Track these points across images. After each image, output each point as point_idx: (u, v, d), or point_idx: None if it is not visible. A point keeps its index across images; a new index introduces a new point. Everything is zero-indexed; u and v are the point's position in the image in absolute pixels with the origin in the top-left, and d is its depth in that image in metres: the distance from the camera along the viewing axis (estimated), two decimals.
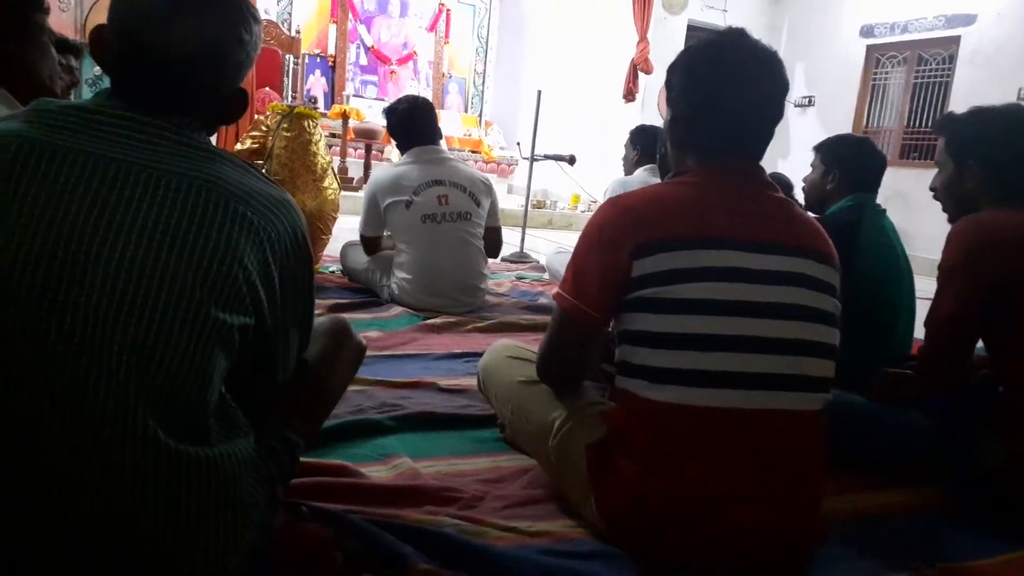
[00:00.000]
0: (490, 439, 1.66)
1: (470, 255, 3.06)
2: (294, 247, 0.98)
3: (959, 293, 1.67)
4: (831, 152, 2.39)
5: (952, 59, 7.12)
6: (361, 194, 3.14)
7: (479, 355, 2.41)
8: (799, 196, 2.60)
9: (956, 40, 7.04)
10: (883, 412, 1.80)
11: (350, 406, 1.77)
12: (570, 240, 6.77)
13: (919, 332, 2.10)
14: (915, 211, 7.26)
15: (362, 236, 3.16)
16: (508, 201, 8.14)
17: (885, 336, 2.22)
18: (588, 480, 1.28)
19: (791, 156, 8.80)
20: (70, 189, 0.83)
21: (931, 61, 7.38)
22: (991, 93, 6.63)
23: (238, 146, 3.33)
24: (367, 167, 7.80)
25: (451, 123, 9.51)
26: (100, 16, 5.83)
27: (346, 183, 7.50)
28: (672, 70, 1.35)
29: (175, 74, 0.94)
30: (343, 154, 7.61)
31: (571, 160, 4.53)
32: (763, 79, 1.28)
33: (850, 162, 2.32)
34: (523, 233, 4.96)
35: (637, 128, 3.73)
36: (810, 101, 8.53)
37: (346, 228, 3.53)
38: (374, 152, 8.04)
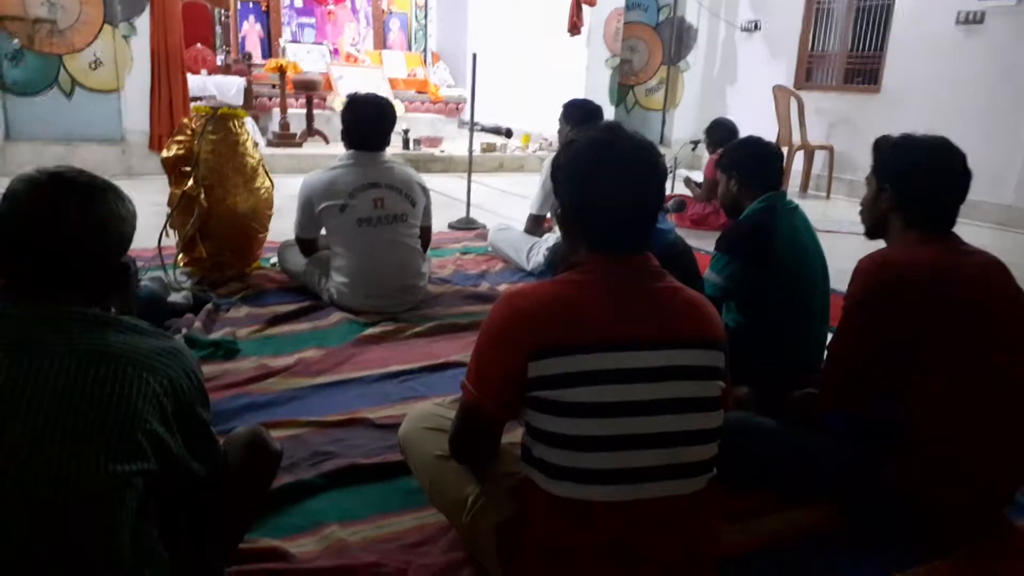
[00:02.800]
0: (416, 489, 1.74)
1: (407, 256, 3.09)
2: (189, 391, 1.10)
3: (861, 330, 1.76)
4: (726, 159, 2.45)
5: None
6: (295, 191, 3.11)
7: (415, 372, 2.52)
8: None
9: None
10: (788, 434, 1.91)
11: (284, 458, 1.84)
12: (521, 185, 6.78)
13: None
14: (859, 136, 7.34)
15: (298, 239, 3.17)
16: (456, 146, 8.04)
17: (798, 335, 2.33)
18: (497, 559, 1.38)
19: (738, 82, 8.77)
20: None
21: None
22: (932, 17, 6.64)
23: (164, 153, 3.25)
24: (309, 119, 7.65)
25: (395, 64, 9.26)
26: None
27: (288, 138, 7.35)
28: (556, 165, 1.39)
29: (65, 263, 1.07)
30: (283, 108, 7.43)
31: (508, 133, 4.50)
32: (640, 173, 1.33)
33: (744, 164, 2.38)
34: (468, 200, 4.95)
35: (568, 104, 3.70)
36: (756, 25, 8.43)
37: (288, 195, 3.48)
38: (316, 102, 7.84)
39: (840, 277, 2.36)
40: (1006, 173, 6.07)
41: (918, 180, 1.77)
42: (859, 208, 1.97)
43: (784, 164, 2.46)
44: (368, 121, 3.04)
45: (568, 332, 1.27)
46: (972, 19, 6.36)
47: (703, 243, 4.24)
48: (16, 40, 5.71)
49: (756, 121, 6.76)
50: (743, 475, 1.82)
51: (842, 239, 4.80)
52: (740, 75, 8.74)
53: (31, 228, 1.05)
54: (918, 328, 1.68)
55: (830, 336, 2.25)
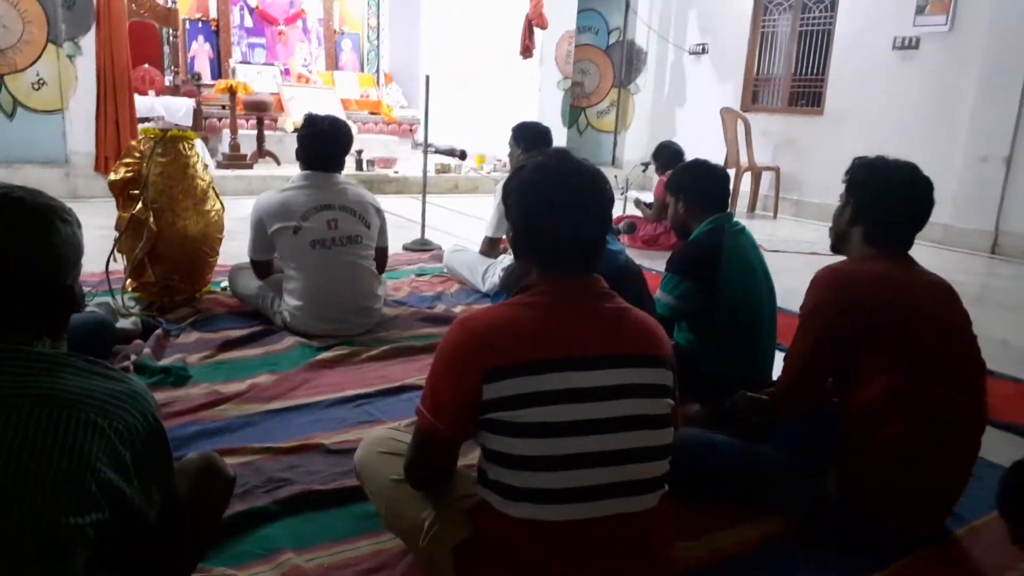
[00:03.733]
0: (372, 514, 1.73)
1: (362, 278, 3.08)
2: (147, 434, 1.05)
3: (814, 338, 1.83)
4: (674, 181, 2.51)
5: (833, 6, 7.33)
6: (247, 212, 3.08)
7: (370, 396, 2.50)
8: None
9: None
10: (738, 448, 1.96)
11: (238, 485, 1.81)
12: (476, 206, 6.81)
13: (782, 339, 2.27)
14: (803, 157, 7.59)
15: (252, 261, 3.13)
16: (410, 166, 8.05)
17: (747, 353, 2.39)
18: None
19: (687, 104, 8.98)
20: None
21: (814, 8, 7.58)
22: (870, 42, 6.91)
23: (111, 176, 3.19)
24: (260, 140, 7.57)
25: (347, 85, 9.25)
26: None
27: (239, 160, 7.27)
28: (507, 190, 1.42)
29: (12, 285, 1.01)
30: (233, 130, 7.35)
31: (462, 155, 4.53)
32: (587, 198, 1.38)
33: (691, 187, 2.44)
34: (423, 221, 4.95)
35: (518, 126, 3.75)
36: (703, 48, 8.66)
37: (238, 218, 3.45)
38: (267, 123, 7.78)
39: (787, 296, 2.45)
40: (942, 193, 6.23)
41: (881, 199, 1.87)
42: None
43: (731, 185, 2.53)
44: (325, 142, 3.04)
45: (521, 354, 1.29)
46: (908, 44, 6.65)
47: (654, 263, 4.32)
48: None
49: (705, 142, 6.95)
50: (697, 490, 1.86)
51: (789, 258, 4.94)
52: (689, 97, 8.95)
53: None
54: (865, 337, 1.76)
55: (779, 354, 2.33)
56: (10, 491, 0.90)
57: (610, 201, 1.42)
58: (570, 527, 1.28)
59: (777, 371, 2.16)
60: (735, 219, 2.44)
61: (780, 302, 2.46)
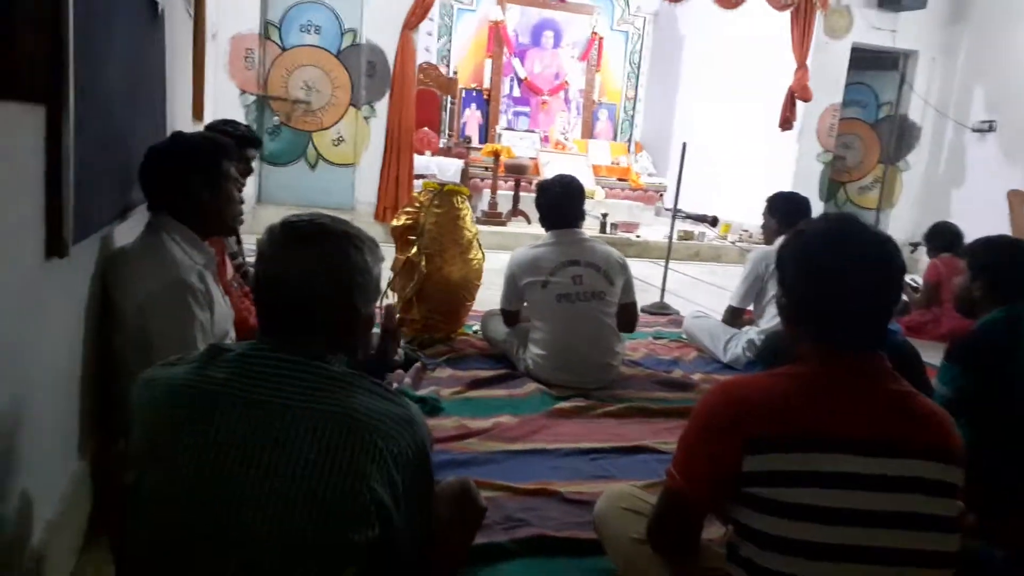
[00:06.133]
0: (605, 570, 1.73)
1: (603, 334, 3.14)
2: (416, 460, 1.13)
3: None
4: (978, 259, 2.25)
5: None
6: (500, 265, 3.28)
7: (606, 452, 2.52)
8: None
9: None
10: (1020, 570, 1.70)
11: None
12: (716, 275, 6.67)
13: None
14: None
15: (502, 310, 3.33)
16: (652, 231, 8.09)
17: None
18: None
19: (966, 184, 8.14)
20: (224, 437, 1.02)
21: None
22: None
23: (394, 222, 3.59)
24: (516, 200, 8.04)
25: (599, 152, 9.58)
26: (278, 73, 6.41)
27: (495, 217, 7.77)
28: (786, 251, 1.36)
29: (305, 299, 1.12)
30: (493, 189, 7.89)
31: (713, 221, 4.48)
32: (878, 266, 1.28)
33: (998, 270, 2.18)
34: (663, 285, 4.94)
35: (774, 196, 3.65)
36: (990, 127, 7.83)
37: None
38: (523, 184, 8.25)
39: None
40: None
41: None
42: None
43: None
44: (557, 199, 3.20)
45: (790, 427, 1.22)
46: None
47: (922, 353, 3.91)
48: (277, 117, 6.61)
49: (983, 227, 6.17)
50: None
51: None
52: (968, 177, 8.11)
53: (273, 268, 1.12)
54: None
55: None
56: (298, 501, 0.99)
57: (901, 270, 1.31)
58: None
59: None
60: None
61: None
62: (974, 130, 8.02)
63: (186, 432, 1.03)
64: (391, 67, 6.68)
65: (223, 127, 2.81)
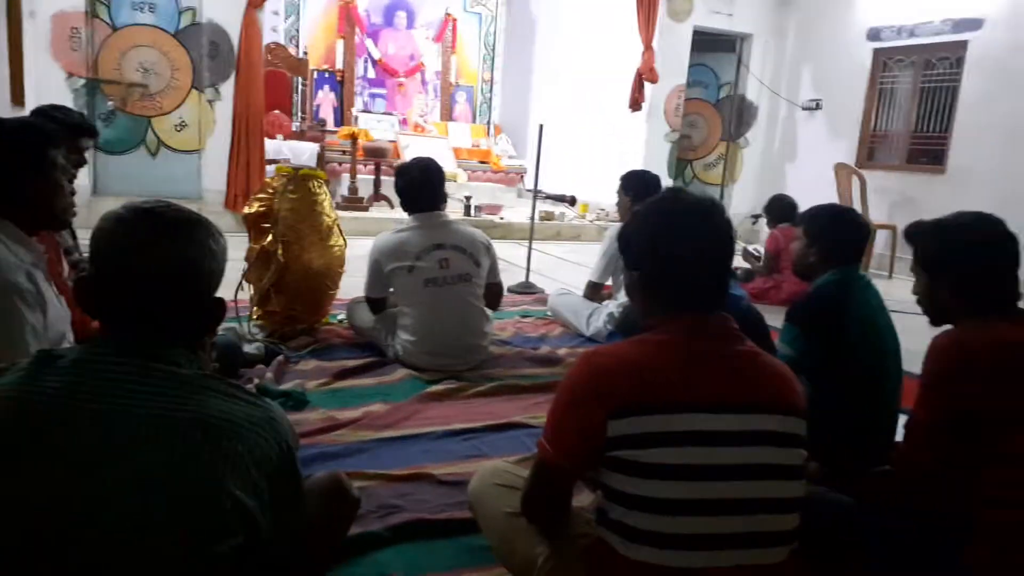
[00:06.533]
0: (482, 547, 1.74)
1: (472, 316, 3.16)
2: (280, 461, 1.08)
3: (934, 408, 1.73)
4: (814, 226, 2.42)
5: (960, 63, 7.07)
6: (363, 251, 3.21)
7: (478, 431, 2.53)
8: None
9: (963, 45, 6.99)
10: (863, 513, 1.86)
11: None
12: (577, 253, 6.85)
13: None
14: (923, 216, 7.21)
15: (368, 298, 3.26)
16: (515, 213, 8.20)
17: (869, 413, 2.28)
18: None
19: (798, 159, 8.80)
20: (63, 452, 0.93)
21: (939, 65, 7.33)
22: (1001, 98, 6.60)
23: (246, 209, 3.42)
24: (377, 185, 7.90)
25: (460, 134, 9.57)
26: (110, 55, 5.94)
27: (356, 202, 7.60)
28: (624, 235, 1.45)
29: (161, 295, 1.05)
30: (353, 173, 7.71)
31: (572, 201, 4.60)
32: (709, 230, 1.37)
33: (832, 236, 2.36)
34: (528, 265, 5.02)
35: (627, 174, 3.78)
36: (817, 104, 8.49)
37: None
38: (384, 168, 8.11)
39: (908, 358, 2.33)
40: None
41: (968, 264, 1.76)
42: (915, 297, 1.96)
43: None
44: (416, 182, 3.16)
45: (648, 391, 1.27)
46: None
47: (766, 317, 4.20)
48: (111, 102, 6.12)
49: (816, 198, 6.71)
50: (816, 553, 1.77)
51: (907, 319, 4.68)
52: (800, 152, 8.77)
53: (125, 262, 1.04)
54: (988, 408, 1.64)
55: (902, 417, 2.21)
56: (150, 517, 0.92)
57: (730, 227, 1.40)
58: (690, 575, 1.25)
59: (900, 435, 2.06)
60: (862, 273, 2.36)
61: (904, 364, 2.35)
62: (804, 108, 8.67)
63: (19, 449, 0.93)
64: (236, 48, 6.35)
65: (53, 113, 2.56)
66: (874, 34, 7.79)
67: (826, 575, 1.75)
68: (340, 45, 9.13)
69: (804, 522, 1.34)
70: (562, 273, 5.70)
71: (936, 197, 7.16)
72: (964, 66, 7.01)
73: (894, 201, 7.52)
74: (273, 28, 8.51)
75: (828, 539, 1.80)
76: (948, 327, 1.83)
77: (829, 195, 7.23)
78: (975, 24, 6.86)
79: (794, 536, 1.31)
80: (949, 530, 1.76)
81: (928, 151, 7.47)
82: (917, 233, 1.87)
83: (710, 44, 9.00)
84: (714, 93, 9.40)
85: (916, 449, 1.81)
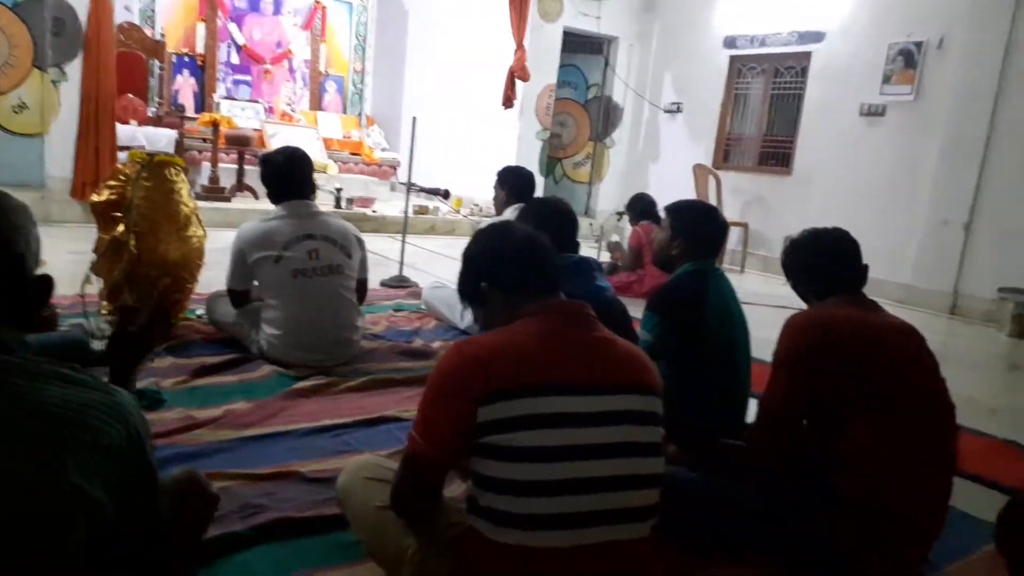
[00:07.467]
0: (351, 543, 1.72)
1: (343, 309, 3.09)
2: (131, 450, 1.02)
3: (790, 384, 1.87)
4: (680, 219, 2.53)
5: (804, 72, 7.63)
6: (225, 244, 3.08)
7: (348, 426, 2.49)
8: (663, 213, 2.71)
9: (807, 55, 7.55)
10: (719, 489, 1.98)
11: None
12: (452, 247, 6.85)
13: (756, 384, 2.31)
14: (772, 214, 7.79)
15: (230, 291, 3.12)
16: (388, 206, 8.10)
17: (724, 397, 2.42)
18: None
19: (661, 159, 9.21)
20: None
21: (786, 74, 7.88)
22: (837, 107, 7.19)
23: (94, 197, 3.18)
24: (240, 174, 7.57)
25: (330, 125, 9.33)
26: None
27: (217, 192, 7.26)
28: (469, 252, 1.62)
29: None
30: (214, 162, 7.36)
31: (445, 195, 4.60)
32: (533, 234, 1.56)
33: (697, 231, 2.49)
34: (401, 258, 4.98)
35: (504, 169, 3.83)
36: (678, 108, 8.91)
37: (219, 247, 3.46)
38: (248, 158, 7.79)
39: (757, 346, 2.50)
40: (904, 253, 6.53)
41: (816, 269, 2.03)
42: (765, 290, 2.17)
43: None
44: (282, 169, 3.06)
45: (516, 376, 1.31)
46: (874, 111, 6.93)
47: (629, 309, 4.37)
48: None
49: (675, 196, 7.01)
50: (676, 531, 1.87)
51: (757, 310, 5.03)
52: (662, 153, 9.18)
53: None
54: (841, 382, 1.80)
55: (752, 401, 2.37)
56: None
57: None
58: (560, 555, 1.28)
59: (751, 417, 2.20)
60: (717, 266, 2.50)
61: (752, 352, 2.51)
62: (666, 111, 9.08)
63: None
64: (83, 25, 5.89)
65: None
66: (730, 42, 8.27)
67: (683, 551, 1.85)
68: (201, 28, 8.66)
69: (663, 500, 1.42)
70: (436, 267, 5.68)
71: (783, 197, 7.72)
72: (808, 75, 7.57)
73: (747, 200, 8.02)
74: (126, 7, 7.96)
75: (685, 517, 1.91)
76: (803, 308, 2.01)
77: (688, 194, 7.62)
78: (818, 36, 7.42)
79: (655, 511, 1.38)
80: (810, 499, 1.88)
81: (777, 154, 8.02)
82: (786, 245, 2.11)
83: (579, 45, 9.25)
84: (583, 94, 9.67)
85: (769, 426, 1.94)
